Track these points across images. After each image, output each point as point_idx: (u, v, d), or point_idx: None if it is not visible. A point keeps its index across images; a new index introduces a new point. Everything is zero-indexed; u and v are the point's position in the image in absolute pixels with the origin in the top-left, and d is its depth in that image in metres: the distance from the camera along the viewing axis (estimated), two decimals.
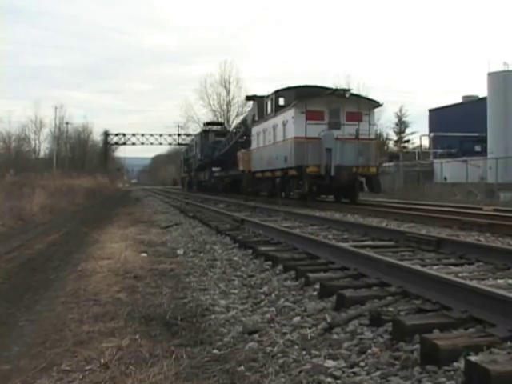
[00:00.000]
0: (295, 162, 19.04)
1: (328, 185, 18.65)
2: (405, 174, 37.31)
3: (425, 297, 4.19)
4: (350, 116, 19.26)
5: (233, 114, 62.22)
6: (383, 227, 9.79)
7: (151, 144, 72.05)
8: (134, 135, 71.10)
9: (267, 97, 23.54)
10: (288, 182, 20.83)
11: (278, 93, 22.58)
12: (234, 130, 33.93)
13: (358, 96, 20.56)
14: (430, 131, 51.29)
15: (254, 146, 25.53)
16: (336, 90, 20.23)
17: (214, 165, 37.13)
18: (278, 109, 21.85)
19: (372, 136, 19.74)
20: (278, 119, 21.19)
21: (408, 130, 70.82)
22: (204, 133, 42.05)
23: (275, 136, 21.61)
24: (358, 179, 19.08)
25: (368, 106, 19.72)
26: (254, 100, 27.05)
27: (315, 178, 18.54)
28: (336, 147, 18.48)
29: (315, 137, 18.59)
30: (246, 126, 28.75)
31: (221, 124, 48.62)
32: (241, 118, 40.64)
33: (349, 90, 20.03)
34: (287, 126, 20.08)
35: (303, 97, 19.39)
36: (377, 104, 20.34)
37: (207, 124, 45.97)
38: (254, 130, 25.53)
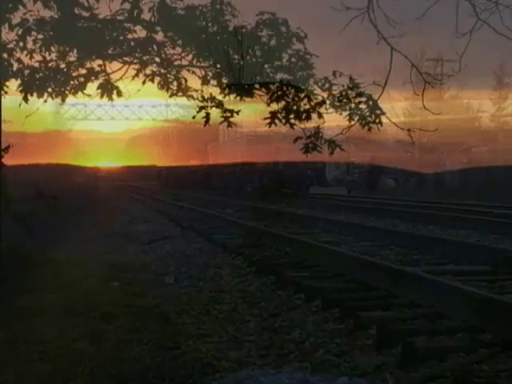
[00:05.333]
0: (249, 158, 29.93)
1: (278, 179, 28.75)
2: (506, 166, 37.06)
3: None
4: None
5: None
6: (473, 243, 9.74)
7: (126, 119, 72.50)
8: (99, 106, 71.69)
9: None
10: (245, 177, 31.33)
11: None
12: None
13: None
14: None
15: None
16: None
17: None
18: None
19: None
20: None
21: None
22: None
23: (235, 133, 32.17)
24: (307, 174, 29.39)
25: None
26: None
27: (265, 173, 29.31)
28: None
29: (266, 135, 28.45)
30: None
31: None
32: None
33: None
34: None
35: None
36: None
37: None
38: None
